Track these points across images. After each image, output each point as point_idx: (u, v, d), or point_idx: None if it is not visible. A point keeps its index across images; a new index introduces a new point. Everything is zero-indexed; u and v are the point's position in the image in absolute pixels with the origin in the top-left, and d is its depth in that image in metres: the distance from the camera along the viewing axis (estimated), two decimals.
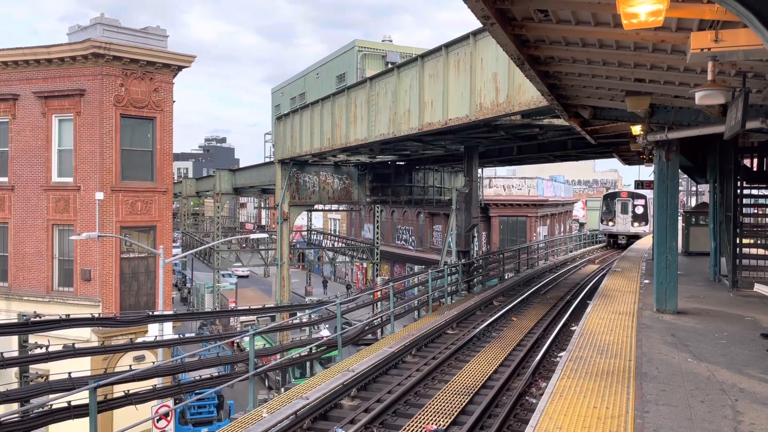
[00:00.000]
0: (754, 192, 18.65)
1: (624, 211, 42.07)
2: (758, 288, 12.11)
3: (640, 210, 41.45)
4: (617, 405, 7.13)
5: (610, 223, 42.68)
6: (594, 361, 9.01)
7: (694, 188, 55.30)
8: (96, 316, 18.19)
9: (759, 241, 17.32)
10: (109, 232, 22.98)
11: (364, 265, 54.24)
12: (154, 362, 19.33)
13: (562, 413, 6.89)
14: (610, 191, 49.74)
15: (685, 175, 35.40)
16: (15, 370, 17.80)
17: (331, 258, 53.81)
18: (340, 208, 62.56)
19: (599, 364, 8.81)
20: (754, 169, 18.87)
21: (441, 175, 39.10)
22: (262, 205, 67.60)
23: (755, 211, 18.46)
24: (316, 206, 41.63)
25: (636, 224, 41.74)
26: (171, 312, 21.94)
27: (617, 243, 43.99)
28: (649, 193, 43.46)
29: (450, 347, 15.52)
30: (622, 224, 42.35)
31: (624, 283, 17.31)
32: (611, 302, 14.21)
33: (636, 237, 41.62)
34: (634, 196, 41.85)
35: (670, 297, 12.74)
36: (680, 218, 26.86)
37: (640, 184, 35.32)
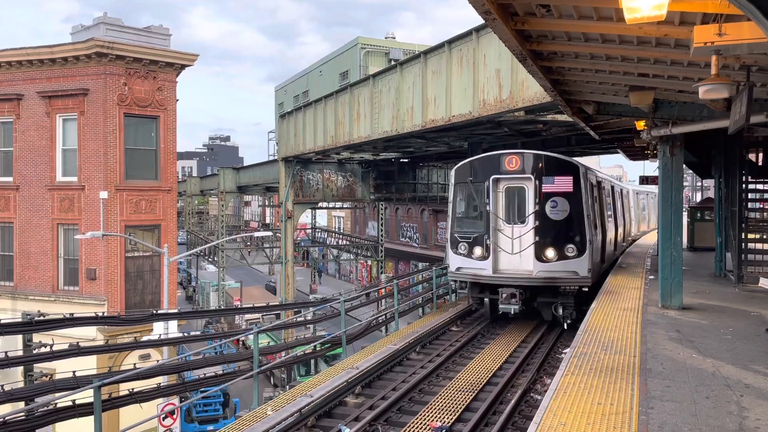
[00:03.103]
0: (760, 186, 18.58)
1: (514, 214, 15.96)
2: (764, 283, 12.06)
3: (560, 208, 15.51)
4: (621, 401, 7.10)
5: (476, 251, 16.13)
6: (598, 357, 8.98)
7: (699, 183, 55.12)
8: (100, 314, 18.24)
9: (764, 236, 17.24)
10: (114, 231, 23.03)
11: (369, 262, 54.25)
12: (158, 361, 19.38)
13: (566, 410, 6.86)
14: (474, 157, 17.53)
15: (690, 171, 34.95)
16: (21, 369, 17.85)
17: (336, 256, 53.85)
18: (344, 206, 62.56)
19: (604, 361, 8.78)
20: (759, 163, 18.78)
21: (445, 172, 39.07)
22: (267, 204, 67.64)
23: (761, 205, 18.38)
24: (320, 204, 41.65)
25: (552, 250, 15.44)
26: (175, 310, 21.98)
27: (496, 308, 16.60)
28: (643, 188, 34.89)
29: (455, 344, 15.50)
30: (509, 253, 15.77)
31: (628, 279, 17.25)
32: (616, 298, 14.17)
33: (552, 289, 15.72)
34: (546, 166, 15.62)
35: (674, 293, 12.69)
36: (685, 214, 26.76)
37: (645, 179, 31.47)
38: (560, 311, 15.67)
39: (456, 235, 16.46)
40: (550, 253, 15.25)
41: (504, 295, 15.33)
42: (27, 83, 24.51)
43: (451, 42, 17.71)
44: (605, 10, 6.76)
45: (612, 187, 22.15)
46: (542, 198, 15.34)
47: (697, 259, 22.19)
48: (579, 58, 9.09)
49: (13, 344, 17.59)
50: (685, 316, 11.97)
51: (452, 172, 16.84)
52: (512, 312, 15.38)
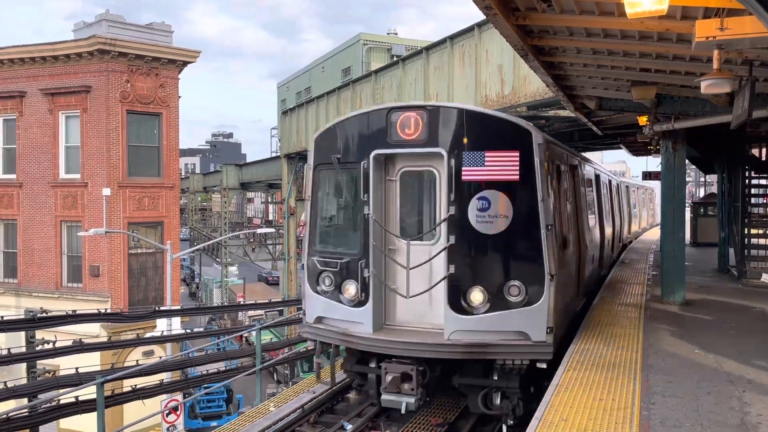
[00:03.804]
0: (763, 182, 18.51)
1: (414, 222, 9.23)
2: (766, 278, 12.04)
3: (496, 212, 8.34)
4: (623, 397, 7.10)
5: (347, 289, 9.04)
6: (600, 352, 8.97)
7: (702, 179, 55.00)
8: (103, 311, 18.31)
9: (767, 232, 17.19)
10: (117, 228, 23.07)
11: None
12: (161, 357, 19.46)
13: (567, 405, 6.86)
14: (343, 117, 9.79)
15: (693, 166, 34.82)
16: (24, 365, 17.94)
17: None
18: None
19: (605, 356, 8.77)
20: (763, 158, 18.73)
21: None
22: (269, 200, 67.70)
23: (764, 201, 18.33)
24: None
25: (479, 292, 8.33)
26: (178, 307, 22.04)
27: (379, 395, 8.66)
28: (653, 184, 33.86)
29: None
30: (404, 296, 8.71)
31: (631, 275, 17.23)
32: (618, 293, 14.15)
33: (481, 364, 8.74)
34: (471, 131, 8.45)
35: (677, 288, 12.66)
36: (688, 209, 26.67)
37: (648, 175, 30.95)
38: (497, 401, 8.62)
39: (315, 258, 9.35)
40: (477, 296, 8.34)
41: (389, 378, 8.37)
42: (30, 80, 24.55)
43: (453, 37, 17.70)
44: (607, 5, 6.74)
45: (597, 177, 15.24)
46: (464, 192, 8.41)
47: (700, 255, 22.14)
48: (581, 53, 9.07)
49: (17, 341, 17.66)
50: (687, 311, 11.95)
51: (311, 145, 9.70)
52: (404, 409, 8.39)
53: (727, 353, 8.82)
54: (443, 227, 8.51)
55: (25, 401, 14.30)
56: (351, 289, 8.96)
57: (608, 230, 16.89)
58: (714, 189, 35.74)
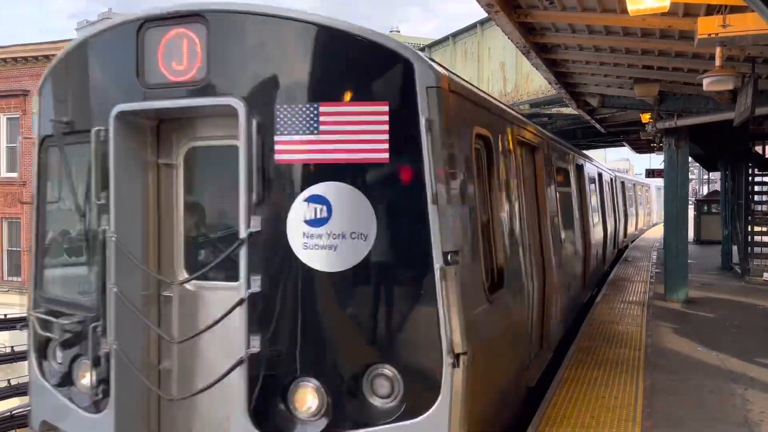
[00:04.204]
0: (766, 179, 18.48)
1: (199, 247, 5.10)
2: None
3: (339, 227, 4.11)
4: (625, 394, 7.10)
5: (80, 375, 4.98)
6: (602, 350, 8.96)
7: (705, 176, 54.92)
8: None
9: None
10: None
11: None
12: None
13: (569, 402, 6.86)
14: (77, 40, 5.18)
15: (697, 163, 34.72)
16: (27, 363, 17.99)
17: None
18: None
19: (607, 354, 8.77)
20: (766, 155, 18.69)
21: None
22: None
23: (767, 198, 18.29)
24: None
25: (312, 392, 4.12)
26: None
27: None
28: (656, 182, 35.70)
29: None
30: (168, 398, 4.82)
31: (634, 272, 17.22)
32: (621, 291, 14.14)
33: None
34: (291, 64, 4.35)
35: (680, 286, 12.65)
36: (691, 207, 26.60)
37: (651, 172, 31.50)
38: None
39: (38, 313, 5.74)
40: (307, 398, 4.20)
41: None
42: (33, 79, 24.58)
43: (455, 35, 17.72)
44: (609, 1, 6.74)
45: (579, 168, 11.58)
46: (279, 187, 4.33)
47: (703, 253, 22.10)
48: (583, 50, 9.07)
49: (20, 339, 17.71)
50: (690, 309, 11.94)
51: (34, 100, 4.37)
52: None
53: (730, 351, 8.81)
54: (241, 258, 4.33)
55: (27, 399, 14.35)
56: (85, 375, 4.96)
57: (596, 238, 13.23)
58: (717, 186, 35.67)
